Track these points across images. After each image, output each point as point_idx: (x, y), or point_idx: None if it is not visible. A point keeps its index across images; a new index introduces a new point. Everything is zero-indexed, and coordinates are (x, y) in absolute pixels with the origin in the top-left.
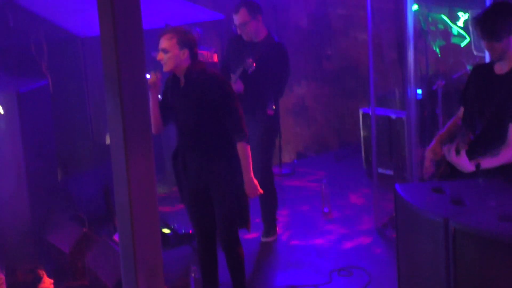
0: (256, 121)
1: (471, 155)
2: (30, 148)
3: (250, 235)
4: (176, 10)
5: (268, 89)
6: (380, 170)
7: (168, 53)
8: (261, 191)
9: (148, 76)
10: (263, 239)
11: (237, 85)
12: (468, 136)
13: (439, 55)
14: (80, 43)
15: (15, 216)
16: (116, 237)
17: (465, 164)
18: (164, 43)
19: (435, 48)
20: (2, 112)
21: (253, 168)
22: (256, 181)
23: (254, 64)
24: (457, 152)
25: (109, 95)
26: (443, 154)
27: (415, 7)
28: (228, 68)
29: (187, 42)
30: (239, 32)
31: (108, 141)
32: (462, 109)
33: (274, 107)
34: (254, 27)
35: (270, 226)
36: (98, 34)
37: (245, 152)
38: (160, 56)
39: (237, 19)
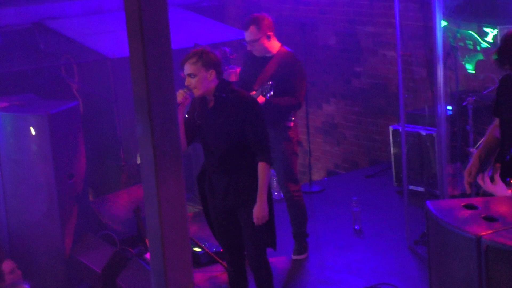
0: (277, 133)
1: (505, 176)
2: (61, 169)
3: (281, 253)
4: (204, 30)
5: (290, 101)
6: (411, 187)
7: (196, 77)
8: (267, 219)
9: (178, 93)
10: (294, 257)
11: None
12: (497, 164)
13: (469, 71)
14: (110, 64)
15: (47, 236)
16: (147, 256)
17: (501, 190)
18: (189, 68)
19: (466, 64)
20: (34, 134)
21: (277, 180)
22: (267, 208)
23: (272, 92)
24: (491, 179)
25: (139, 115)
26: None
27: (443, 23)
28: (246, 83)
29: (212, 62)
30: (248, 48)
31: (139, 161)
32: (497, 120)
33: (293, 119)
34: (264, 44)
35: (301, 244)
36: (127, 55)
37: (265, 172)
38: (188, 81)
39: (246, 36)
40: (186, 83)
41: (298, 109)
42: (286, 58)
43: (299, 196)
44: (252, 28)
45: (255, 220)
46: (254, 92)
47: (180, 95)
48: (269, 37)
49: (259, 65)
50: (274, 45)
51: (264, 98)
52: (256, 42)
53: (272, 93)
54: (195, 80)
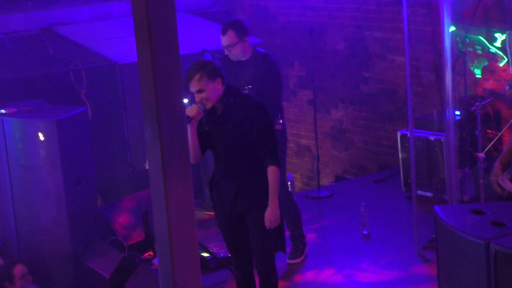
0: None
1: None
2: (70, 174)
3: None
4: (212, 35)
5: (270, 104)
6: (419, 192)
7: (205, 91)
8: (279, 222)
9: (191, 108)
10: (289, 261)
11: None
12: None
13: (478, 76)
14: (118, 69)
15: (56, 241)
16: (155, 262)
17: None
18: (196, 85)
19: (474, 69)
20: (42, 139)
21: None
22: (279, 211)
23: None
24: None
25: (147, 120)
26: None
27: (452, 28)
28: None
29: (215, 71)
30: (226, 52)
31: (147, 166)
32: None
33: (281, 121)
34: (241, 48)
35: (297, 247)
36: (136, 60)
37: (275, 176)
38: (199, 97)
39: (224, 40)
40: (197, 100)
41: (280, 111)
42: (262, 61)
43: (288, 196)
44: (231, 33)
45: (267, 224)
46: None
47: (193, 109)
48: (245, 42)
49: (236, 70)
50: (248, 49)
51: None
52: (234, 46)
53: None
54: (206, 94)
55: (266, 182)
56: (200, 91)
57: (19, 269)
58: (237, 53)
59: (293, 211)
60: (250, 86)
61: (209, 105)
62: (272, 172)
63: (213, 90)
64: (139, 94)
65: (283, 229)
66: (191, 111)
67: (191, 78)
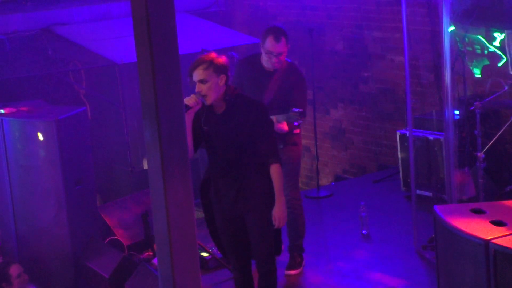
0: (283, 140)
1: None
2: (69, 174)
3: (285, 258)
4: (211, 35)
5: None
6: (419, 192)
7: (207, 83)
8: (286, 220)
9: (190, 97)
10: (287, 272)
11: (282, 126)
12: None
13: (477, 75)
14: (118, 69)
15: (55, 242)
16: (155, 262)
17: None
18: (201, 74)
19: (473, 68)
20: (42, 139)
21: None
22: (286, 208)
23: (301, 121)
24: None
25: (147, 120)
26: None
27: (451, 28)
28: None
29: (223, 67)
30: (271, 59)
31: (146, 166)
32: None
33: (298, 124)
34: (285, 57)
35: (295, 259)
36: (135, 60)
37: (278, 173)
38: (199, 87)
39: (276, 47)
40: (197, 90)
41: (304, 117)
42: (289, 70)
43: (299, 204)
44: (284, 41)
45: (275, 222)
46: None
47: (192, 99)
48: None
49: (264, 78)
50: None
51: (286, 124)
52: (283, 54)
53: (301, 121)
54: (207, 86)
55: (266, 182)
56: (203, 81)
57: (14, 269)
58: (281, 62)
59: (298, 219)
60: (298, 110)
61: (208, 101)
62: (275, 170)
63: (215, 84)
64: (138, 94)
65: (280, 230)
66: (189, 100)
67: (198, 66)
